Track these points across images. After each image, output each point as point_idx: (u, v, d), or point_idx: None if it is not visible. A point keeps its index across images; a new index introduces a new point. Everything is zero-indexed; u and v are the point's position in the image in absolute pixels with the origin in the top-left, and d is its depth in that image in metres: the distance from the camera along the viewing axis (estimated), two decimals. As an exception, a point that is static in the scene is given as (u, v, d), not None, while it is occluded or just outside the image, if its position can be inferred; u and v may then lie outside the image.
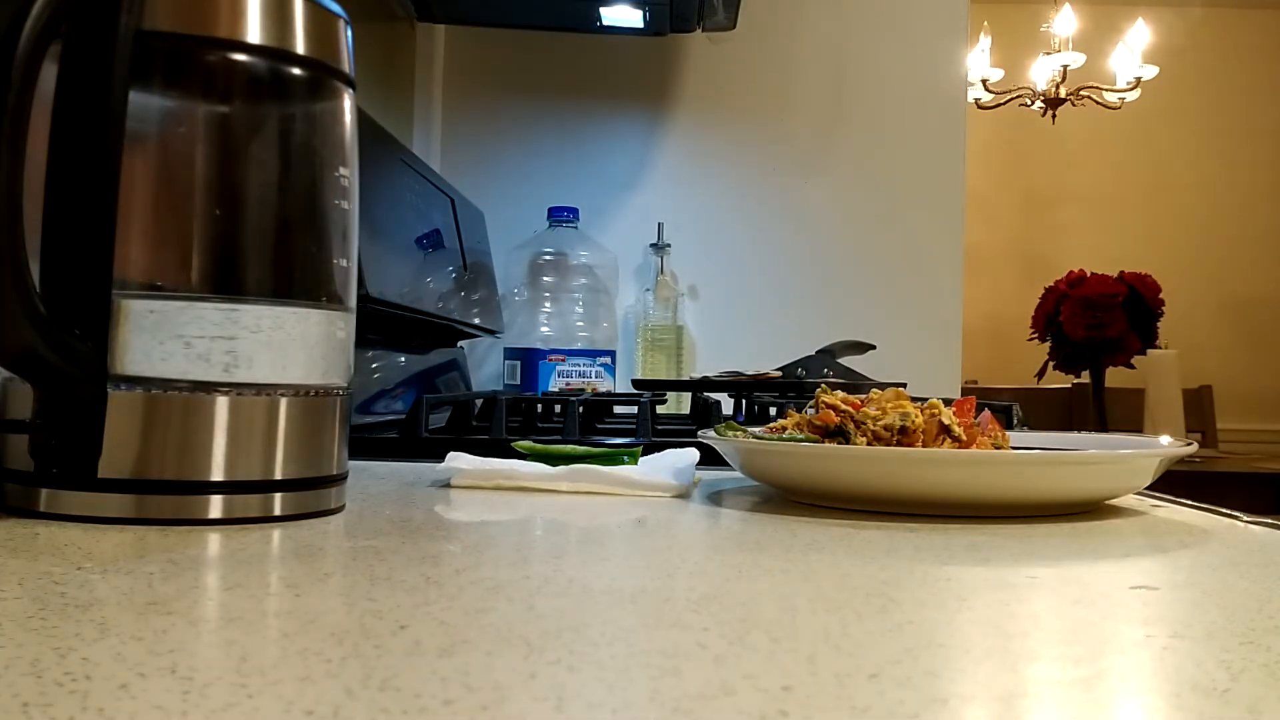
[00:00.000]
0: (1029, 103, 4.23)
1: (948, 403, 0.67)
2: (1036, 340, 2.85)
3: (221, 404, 0.49)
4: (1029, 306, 2.90)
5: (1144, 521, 0.61)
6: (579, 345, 1.64)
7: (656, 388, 1.42)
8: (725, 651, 0.30)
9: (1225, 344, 4.57)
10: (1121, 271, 2.78)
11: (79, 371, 0.47)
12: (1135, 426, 2.78)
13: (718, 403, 1.03)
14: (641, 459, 0.72)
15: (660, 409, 1.26)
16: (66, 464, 0.48)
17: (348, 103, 0.55)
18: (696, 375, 1.61)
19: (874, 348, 1.61)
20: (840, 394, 0.68)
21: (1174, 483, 0.71)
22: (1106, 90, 4.10)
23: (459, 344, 1.53)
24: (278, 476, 0.51)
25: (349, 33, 0.56)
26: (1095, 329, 2.65)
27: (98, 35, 0.48)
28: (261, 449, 0.51)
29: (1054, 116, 4.22)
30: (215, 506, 0.49)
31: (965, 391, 1.91)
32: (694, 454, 0.74)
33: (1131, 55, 3.98)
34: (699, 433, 0.72)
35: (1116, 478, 0.62)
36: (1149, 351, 2.76)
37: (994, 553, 0.49)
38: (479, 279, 1.49)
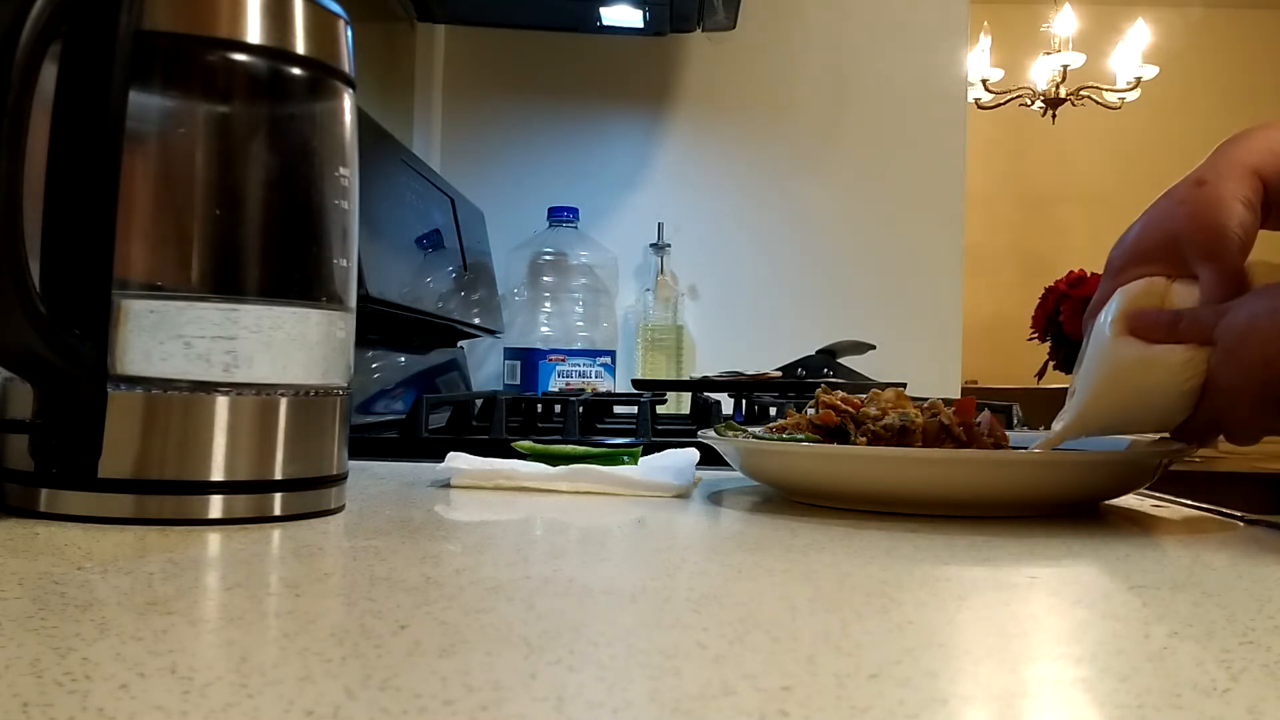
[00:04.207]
0: (1029, 103, 4.23)
1: (948, 403, 0.67)
2: (1036, 340, 2.84)
3: (221, 404, 0.49)
4: (1029, 306, 2.89)
5: (1144, 521, 0.61)
6: (579, 345, 1.64)
7: (656, 388, 1.42)
8: (725, 651, 0.30)
9: (1225, 344, 4.56)
10: (1122, 271, 2.77)
11: (79, 371, 0.47)
12: (1135, 426, 2.78)
13: (718, 403, 1.03)
14: (641, 459, 0.72)
15: (660, 409, 1.26)
16: (66, 464, 0.48)
17: (348, 103, 0.55)
18: (696, 375, 1.61)
19: (874, 348, 1.61)
20: (840, 394, 0.68)
21: (1174, 483, 0.71)
22: (1106, 90, 4.10)
23: (459, 344, 1.53)
24: (278, 476, 0.51)
25: (349, 33, 0.56)
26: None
27: (98, 35, 0.48)
28: (261, 449, 0.51)
29: (1054, 116, 4.22)
30: (215, 506, 0.49)
31: (965, 391, 1.91)
32: (694, 454, 0.74)
33: (1131, 55, 3.98)
34: (699, 433, 0.72)
35: (1116, 478, 0.62)
36: (1149, 352, 2.75)
37: (994, 553, 0.49)
38: (479, 279, 1.49)
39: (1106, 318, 0.61)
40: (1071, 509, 0.62)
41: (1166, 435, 0.63)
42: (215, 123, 0.51)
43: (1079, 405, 0.61)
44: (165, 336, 0.48)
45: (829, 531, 0.53)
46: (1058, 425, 0.62)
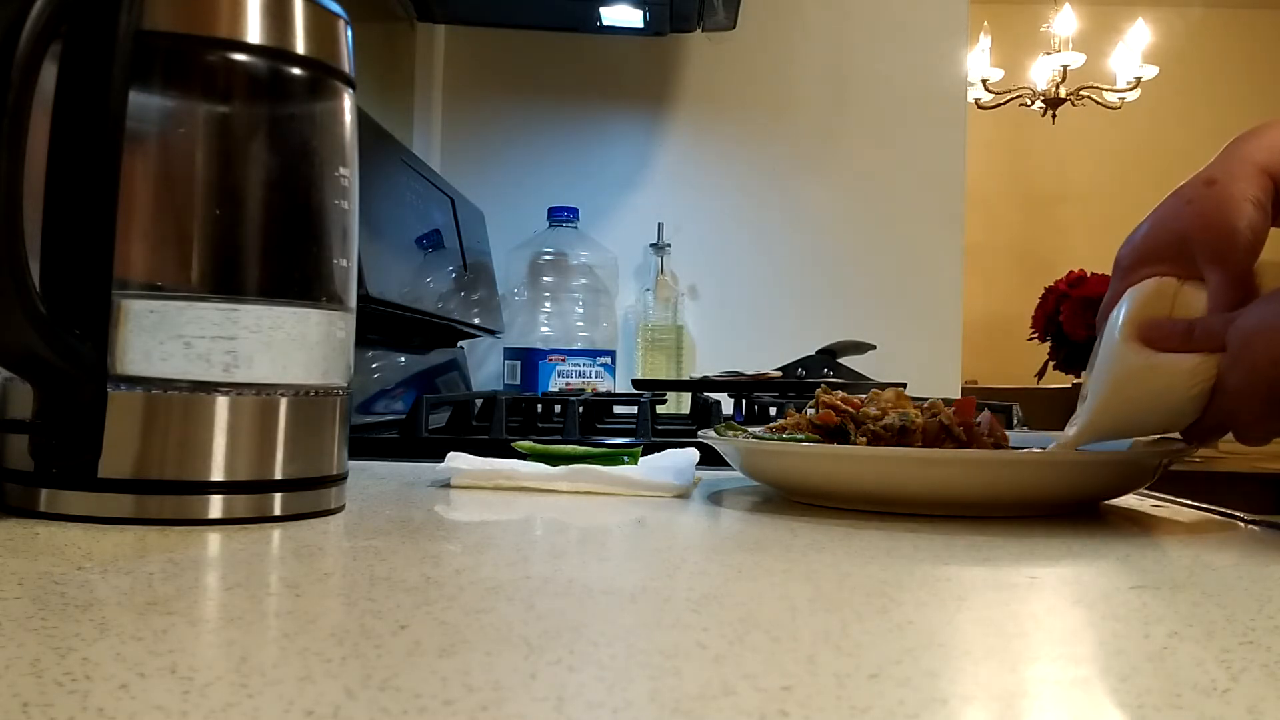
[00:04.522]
0: (1029, 103, 4.24)
1: (948, 403, 0.67)
2: (1036, 340, 2.84)
3: (221, 404, 0.49)
4: (1029, 306, 2.90)
5: (1144, 521, 0.61)
6: (579, 345, 1.64)
7: (656, 388, 1.42)
8: (725, 651, 0.30)
9: (1225, 344, 4.56)
10: (1121, 271, 2.76)
11: (79, 371, 0.47)
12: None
13: (718, 403, 1.03)
14: (641, 459, 0.72)
15: (660, 409, 1.26)
16: (66, 464, 0.48)
17: (348, 103, 0.55)
18: (696, 375, 1.61)
19: (874, 348, 1.61)
20: (840, 394, 0.68)
21: (1174, 483, 0.71)
22: (1106, 90, 4.10)
23: (459, 344, 1.53)
24: (277, 476, 0.51)
25: (349, 33, 0.56)
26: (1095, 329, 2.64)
27: (98, 35, 0.48)
28: (261, 449, 0.51)
29: (1054, 116, 4.22)
30: (215, 506, 0.49)
31: (965, 391, 1.91)
32: (694, 454, 0.74)
33: (1131, 55, 3.98)
34: (699, 433, 0.72)
35: (1116, 478, 0.62)
36: (1149, 351, 2.74)
37: (994, 553, 0.49)
38: (479, 279, 1.49)
39: (1116, 320, 0.61)
40: (1071, 509, 0.62)
41: (1175, 436, 0.63)
42: (215, 123, 0.51)
43: (1090, 410, 0.61)
44: (165, 336, 0.48)
45: (829, 531, 0.53)
46: (1070, 430, 0.62)
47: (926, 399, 0.67)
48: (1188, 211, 0.60)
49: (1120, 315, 0.61)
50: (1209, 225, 0.58)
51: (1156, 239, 0.61)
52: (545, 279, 1.67)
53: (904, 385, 0.78)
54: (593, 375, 1.59)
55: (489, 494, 0.65)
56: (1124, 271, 0.63)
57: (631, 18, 1.55)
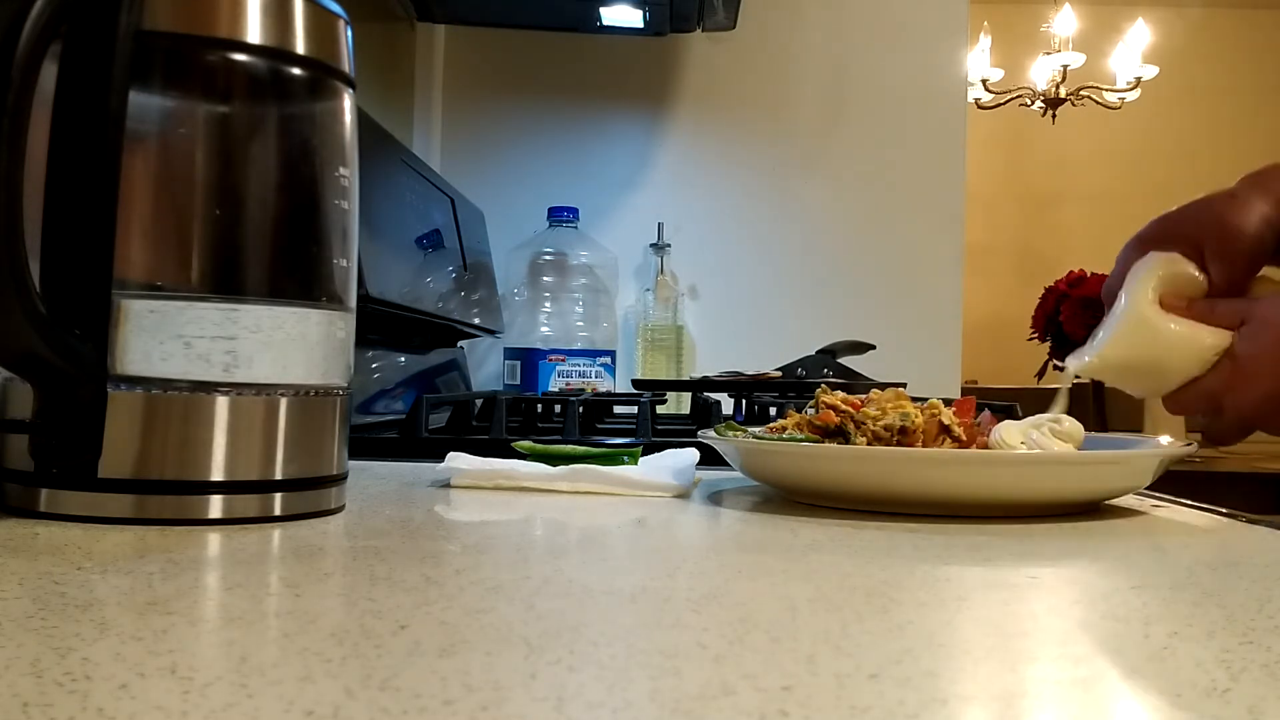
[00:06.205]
0: (1029, 103, 4.24)
1: (948, 403, 0.66)
2: (1036, 340, 2.84)
3: (221, 404, 0.49)
4: (1029, 306, 2.89)
5: (1144, 521, 0.61)
6: (579, 345, 1.64)
7: (656, 388, 1.42)
8: (725, 651, 0.30)
9: (1225, 344, 4.57)
10: (1121, 271, 2.77)
11: (79, 371, 0.47)
12: (1135, 426, 2.78)
13: (718, 403, 1.03)
14: (641, 459, 0.72)
15: (660, 409, 1.26)
16: (66, 464, 0.48)
17: (348, 103, 0.55)
18: (696, 375, 1.61)
19: (874, 348, 1.61)
20: (840, 394, 0.68)
21: (1174, 483, 0.71)
22: (1106, 90, 4.10)
23: (459, 344, 1.53)
24: (277, 476, 0.51)
25: (349, 33, 0.56)
26: (1095, 328, 2.64)
27: (98, 35, 0.48)
28: (261, 449, 0.51)
29: (1054, 116, 4.22)
30: (215, 506, 0.49)
31: (965, 391, 1.91)
32: (694, 454, 0.74)
33: (1131, 55, 3.99)
34: (699, 433, 0.72)
35: (1116, 478, 0.62)
36: (1149, 351, 2.74)
37: (994, 553, 0.49)
38: (479, 279, 1.49)
39: (1137, 275, 0.64)
40: (1071, 509, 0.62)
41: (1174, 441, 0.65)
42: (215, 123, 0.51)
43: (1100, 345, 0.64)
44: (165, 336, 0.48)
45: (829, 531, 0.53)
46: (1073, 362, 0.65)
47: (926, 399, 0.67)
48: (1206, 207, 0.65)
49: (1141, 270, 0.64)
50: (1222, 222, 0.63)
51: (1174, 226, 0.66)
52: (545, 279, 1.67)
53: (904, 385, 0.78)
54: (593, 375, 1.59)
55: (489, 494, 0.65)
56: (1135, 252, 0.66)
57: (631, 18, 1.55)
